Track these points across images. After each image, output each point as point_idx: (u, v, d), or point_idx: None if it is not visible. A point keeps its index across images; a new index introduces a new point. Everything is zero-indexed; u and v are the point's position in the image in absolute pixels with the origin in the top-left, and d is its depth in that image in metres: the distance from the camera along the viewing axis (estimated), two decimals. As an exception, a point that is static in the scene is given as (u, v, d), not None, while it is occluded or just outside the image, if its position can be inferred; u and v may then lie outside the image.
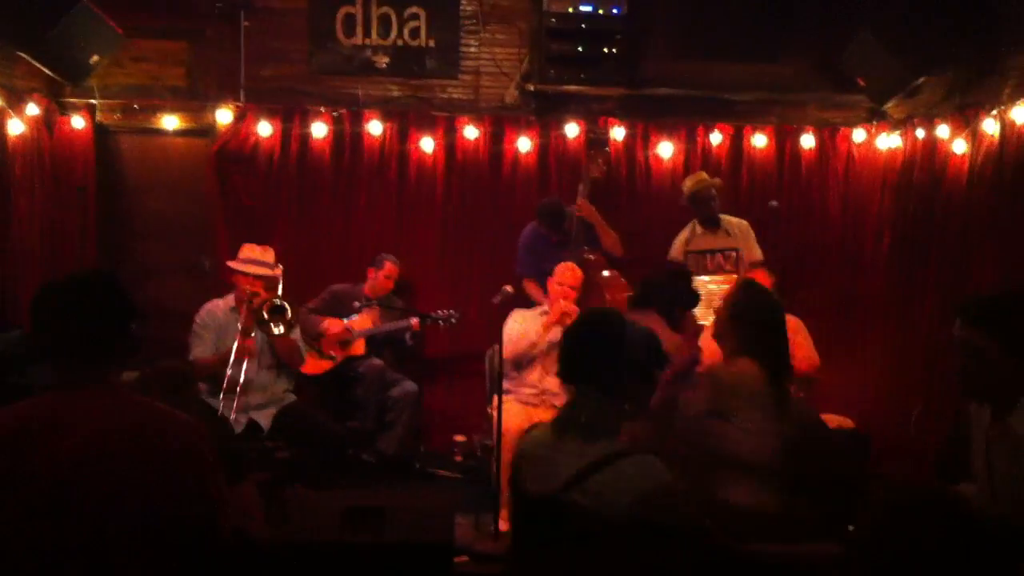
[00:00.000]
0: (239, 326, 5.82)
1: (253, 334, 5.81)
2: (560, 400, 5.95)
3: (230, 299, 6.07)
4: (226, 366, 5.71)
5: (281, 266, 6.24)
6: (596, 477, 2.72)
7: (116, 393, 2.59)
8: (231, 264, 6.10)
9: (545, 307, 6.17)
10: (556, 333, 5.89)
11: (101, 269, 3.05)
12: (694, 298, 4.78)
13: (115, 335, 2.64)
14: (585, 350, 2.96)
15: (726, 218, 6.84)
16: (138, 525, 2.41)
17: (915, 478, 4.41)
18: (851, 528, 2.68)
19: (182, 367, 4.27)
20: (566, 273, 6.13)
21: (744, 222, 6.84)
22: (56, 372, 2.56)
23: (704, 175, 6.88)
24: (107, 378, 2.59)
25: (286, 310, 5.84)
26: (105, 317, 2.63)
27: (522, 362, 6.04)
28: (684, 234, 6.86)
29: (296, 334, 6.12)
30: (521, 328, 6.08)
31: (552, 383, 5.95)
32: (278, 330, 5.82)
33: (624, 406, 2.93)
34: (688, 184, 6.84)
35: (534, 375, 6.06)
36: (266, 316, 5.81)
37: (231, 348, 5.74)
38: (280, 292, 6.06)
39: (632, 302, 4.14)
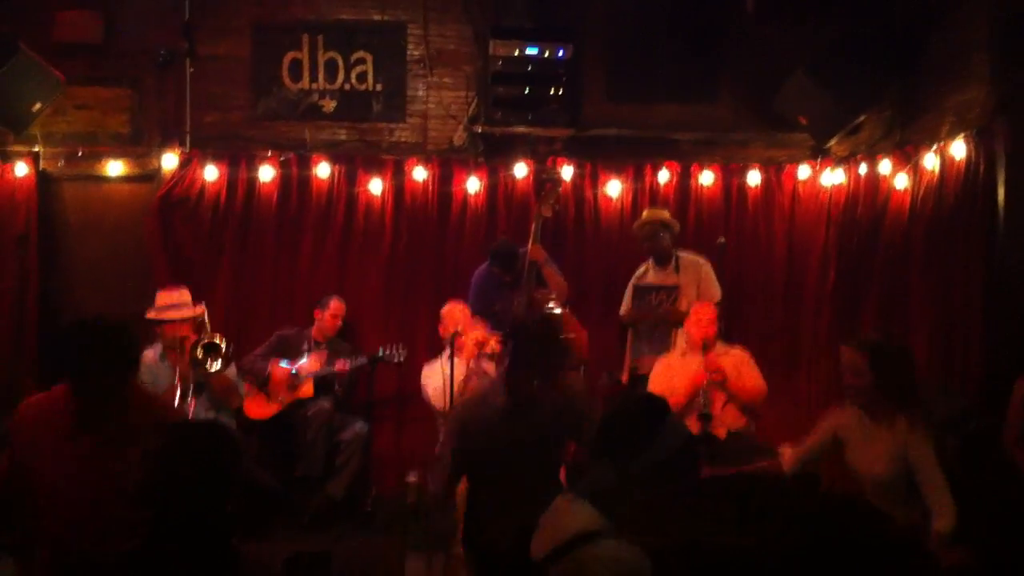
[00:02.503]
0: (174, 372, 5.83)
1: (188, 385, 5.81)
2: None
3: (158, 347, 6.12)
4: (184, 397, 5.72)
5: (202, 304, 6.28)
6: (566, 556, 2.71)
7: None
8: (150, 315, 6.15)
9: (449, 352, 6.19)
10: (478, 364, 6.15)
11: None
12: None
13: None
14: (626, 426, 2.92)
15: (683, 256, 6.83)
16: None
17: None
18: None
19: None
20: (454, 313, 6.41)
21: (701, 260, 6.81)
22: None
23: (659, 213, 6.90)
24: None
25: (219, 346, 5.81)
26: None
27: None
28: (641, 268, 6.90)
29: (232, 372, 6.12)
30: (440, 380, 6.16)
31: None
32: (216, 366, 5.78)
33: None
34: (637, 222, 6.89)
35: None
36: (200, 356, 5.78)
37: (170, 395, 5.69)
38: (208, 329, 6.06)
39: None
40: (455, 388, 5.92)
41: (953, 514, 3.87)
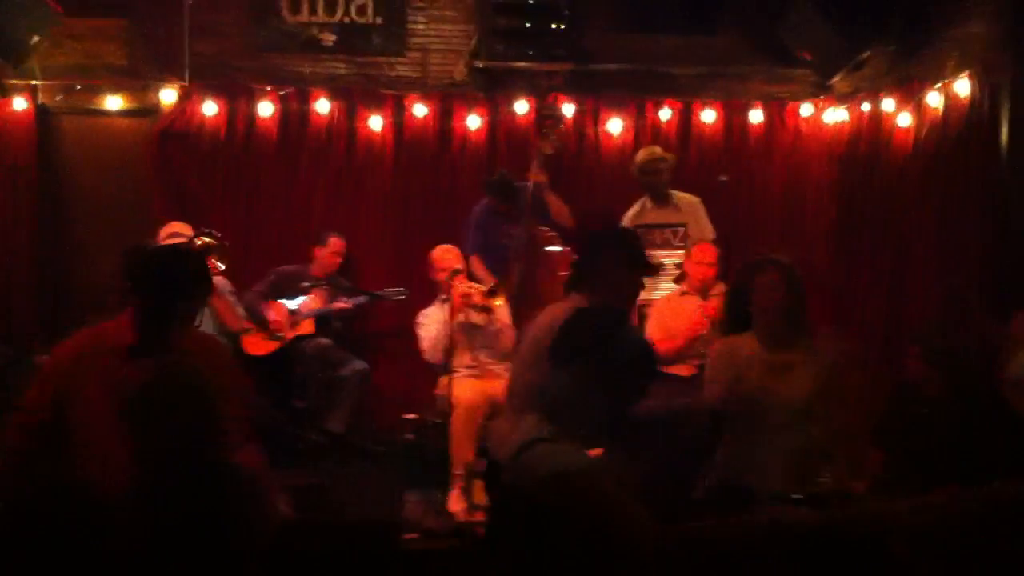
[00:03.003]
0: None
1: None
2: (497, 369, 6.05)
3: None
4: None
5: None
6: (520, 459, 2.77)
7: None
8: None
9: (444, 296, 6.21)
10: (466, 315, 6.13)
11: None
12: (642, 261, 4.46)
13: None
14: (580, 337, 3.01)
15: (677, 194, 6.82)
16: None
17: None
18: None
19: None
20: (445, 257, 6.30)
21: (695, 199, 6.82)
22: None
23: (656, 149, 6.87)
24: None
25: (205, 244, 5.98)
26: None
27: (449, 352, 6.08)
28: (634, 208, 6.85)
29: (230, 298, 6.35)
30: (435, 330, 6.21)
31: (483, 356, 6.17)
32: (220, 266, 5.92)
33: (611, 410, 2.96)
34: (638, 157, 6.83)
35: (465, 357, 6.16)
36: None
37: None
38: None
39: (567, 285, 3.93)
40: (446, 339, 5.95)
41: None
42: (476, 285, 6.23)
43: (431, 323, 6.29)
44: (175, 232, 6.35)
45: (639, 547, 2.62)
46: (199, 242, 5.99)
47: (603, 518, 2.68)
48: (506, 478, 2.88)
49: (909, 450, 4.48)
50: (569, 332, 3.05)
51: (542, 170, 6.54)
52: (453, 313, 6.05)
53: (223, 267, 6.03)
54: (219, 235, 6.14)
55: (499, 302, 6.23)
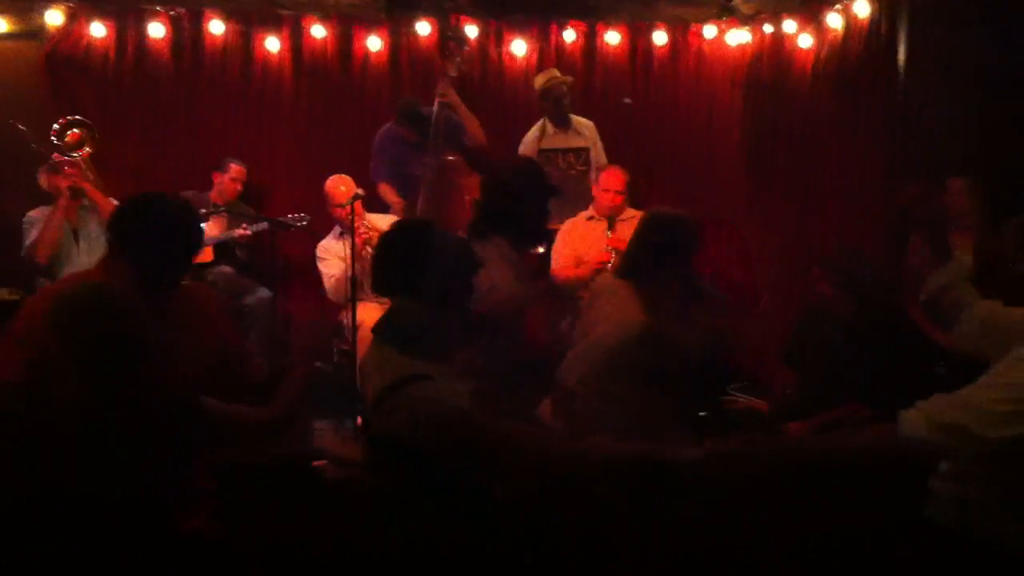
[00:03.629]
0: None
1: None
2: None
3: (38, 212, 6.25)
4: (54, 230, 6.05)
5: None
6: (391, 399, 2.73)
7: None
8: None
9: (340, 230, 6.11)
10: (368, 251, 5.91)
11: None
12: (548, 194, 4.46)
13: None
14: (396, 261, 2.98)
15: (576, 119, 6.82)
16: None
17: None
18: None
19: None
20: (339, 188, 6.18)
21: (591, 123, 6.82)
22: None
23: (555, 72, 6.83)
24: None
25: (76, 137, 6.16)
26: None
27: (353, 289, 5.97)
28: (534, 132, 6.81)
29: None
30: (337, 267, 6.09)
31: None
32: (77, 153, 6.14)
33: (448, 319, 2.91)
34: (539, 80, 6.79)
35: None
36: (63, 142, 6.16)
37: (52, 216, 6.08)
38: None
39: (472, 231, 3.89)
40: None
41: None
42: (376, 224, 6.06)
43: (332, 259, 6.16)
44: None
45: (527, 469, 2.63)
46: (72, 134, 6.18)
47: (486, 455, 2.68)
48: (380, 417, 2.82)
49: (819, 371, 4.57)
50: (389, 262, 3.05)
51: (450, 89, 6.43)
52: (357, 251, 5.87)
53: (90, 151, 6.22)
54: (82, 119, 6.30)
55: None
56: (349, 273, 5.66)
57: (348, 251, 5.75)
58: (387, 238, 3.07)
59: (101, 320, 2.67)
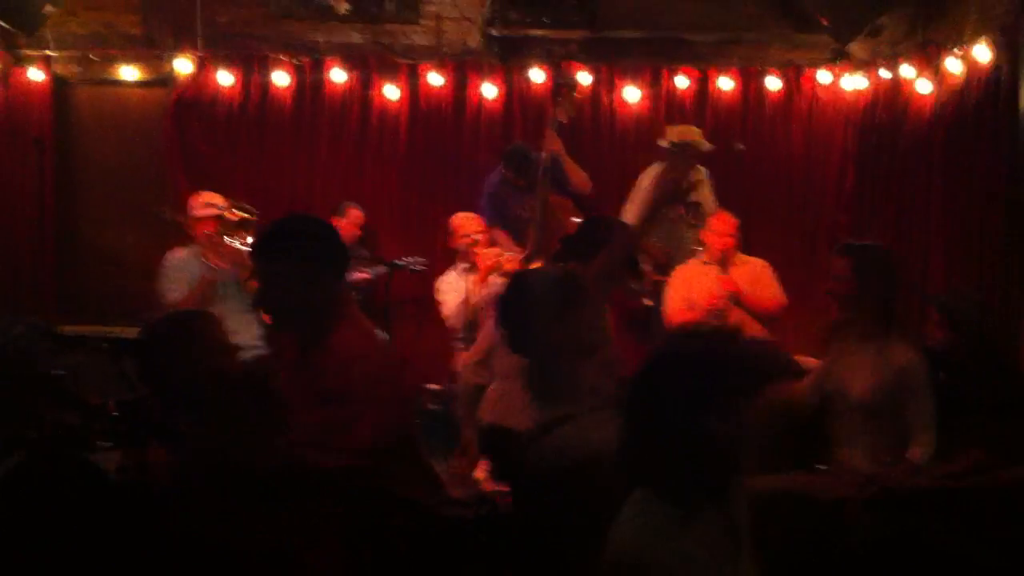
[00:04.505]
0: (207, 270, 5.93)
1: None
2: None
3: (195, 249, 6.06)
4: (204, 303, 5.72)
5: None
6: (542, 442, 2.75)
7: None
8: (179, 217, 6.23)
9: (465, 265, 6.17)
10: (491, 283, 6.00)
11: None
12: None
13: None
14: (540, 317, 2.91)
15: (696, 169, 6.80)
16: None
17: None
18: None
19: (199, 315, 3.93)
20: (465, 224, 6.24)
21: (704, 169, 6.81)
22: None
23: (695, 132, 6.79)
24: None
25: (248, 218, 5.99)
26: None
27: (473, 323, 6.04)
28: (649, 178, 6.82)
29: None
30: (456, 296, 6.18)
31: None
32: (242, 242, 5.91)
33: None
34: (674, 133, 6.74)
35: None
36: (231, 234, 5.93)
37: (201, 284, 5.84)
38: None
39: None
40: (470, 309, 5.91)
41: (932, 446, 3.90)
42: (508, 253, 6.18)
43: (450, 291, 6.29)
44: (209, 202, 6.20)
45: None
46: (234, 217, 5.97)
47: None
48: (533, 456, 2.82)
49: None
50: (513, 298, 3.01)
51: (557, 138, 6.51)
52: (478, 283, 6.01)
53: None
54: (254, 210, 6.10)
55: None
56: (468, 306, 5.80)
57: (470, 287, 5.87)
58: (526, 292, 3.01)
59: None
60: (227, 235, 5.89)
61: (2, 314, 6.43)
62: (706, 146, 6.71)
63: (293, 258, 3.00)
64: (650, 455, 2.24)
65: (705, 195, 6.78)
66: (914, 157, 6.69)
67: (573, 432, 2.72)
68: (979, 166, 6.13)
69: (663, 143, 6.74)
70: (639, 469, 2.28)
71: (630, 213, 6.81)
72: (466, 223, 6.37)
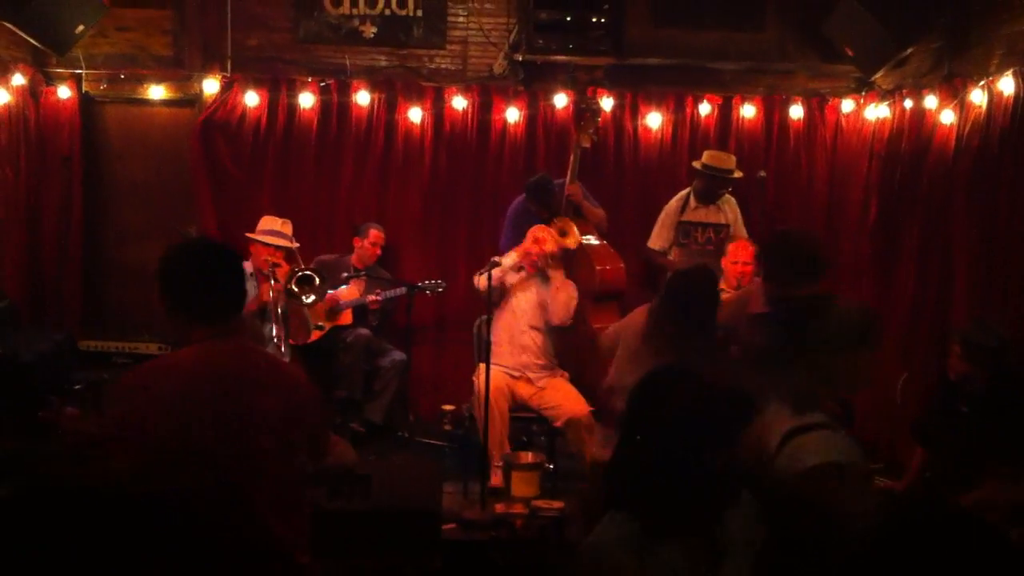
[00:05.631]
0: (257, 291, 6.06)
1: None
2: (538, 371, 6.05)
3: (247, 265, 6.12)
4: (263, 319, 5.95)
5: (297, 243, 6.51)
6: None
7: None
8: (250, 234, 6.40)
9: (525, 268, 6.22)
10: (520, 277, 6.15)
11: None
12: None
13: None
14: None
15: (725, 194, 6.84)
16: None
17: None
18: None
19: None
20: (542, 236, 6.18)
21: (733, 199, 6.87)
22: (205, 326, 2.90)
23: (731, 160, 6.85)
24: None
25: (314, 279, 6.01)
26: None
27: (501, 298, 6.18)
28: (677, 202, 6.84)
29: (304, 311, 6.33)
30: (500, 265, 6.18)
31: (532, 355, 6.13)
32: (309, 299, 6.00)
33: None
34: (708, 158, 6.81)
35: (518, 348, 6.15)
36: (295, 287, 5.97)
37: (267, 300, 5.98)
38: (300, 263, 6.26)
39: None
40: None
41: None
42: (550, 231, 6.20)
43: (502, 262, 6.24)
44: (272, 230, 6.46)
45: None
46: (302, 273, 6.06)
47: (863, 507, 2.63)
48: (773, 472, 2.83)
49: (952, 448, 4.46)
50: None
51: (576, 184, 6.56)
52: (518, 263, 6.13)
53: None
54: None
55: (570, 241, 6.31)
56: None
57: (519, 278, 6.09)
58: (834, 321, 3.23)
59: None
60: (293, 286, 5.99)
61: (28, 329, 6.53)
62: (737, 174, 6.74)
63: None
64: (637, 475, 2.25)
65: (737, 224, 6.80)
66: (938, 188, 6.68)
67: (820, 439, 2.75)
68: (1003, 198, 6.11)
69: (696, 164, 6.81)
70: (623, 486, 2.29)
71: (659, 238, 6.85)
72: (544, 234, 6.22)
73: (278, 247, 6.33)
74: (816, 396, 2.91)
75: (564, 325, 6.09)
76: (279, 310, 5.93)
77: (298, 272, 6.01)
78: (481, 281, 5.99)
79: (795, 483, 2.64)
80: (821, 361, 2.98)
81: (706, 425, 2.24)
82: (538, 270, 6.11)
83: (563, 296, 6.07)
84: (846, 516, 2.45)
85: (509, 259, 6.19)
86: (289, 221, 6.59)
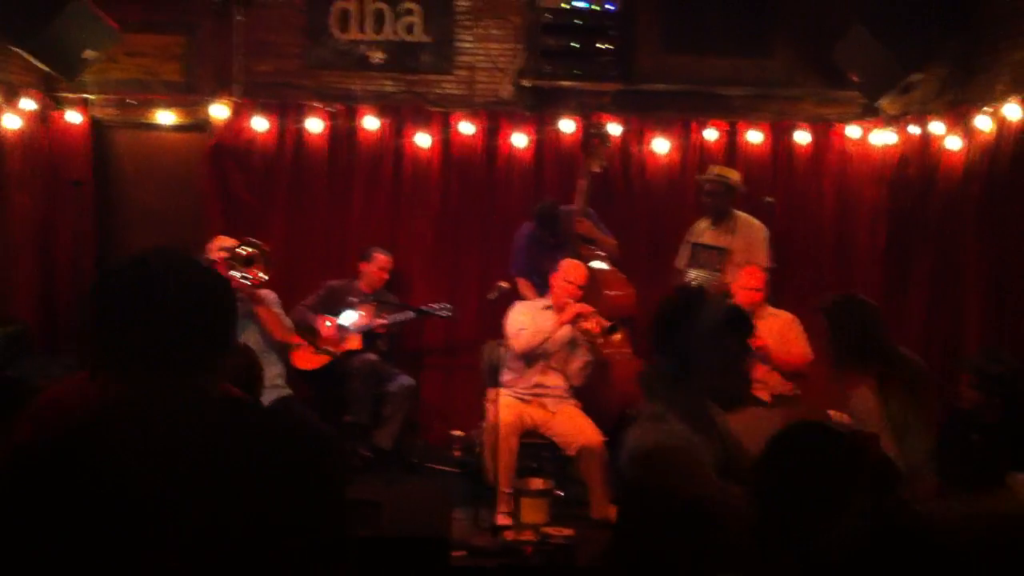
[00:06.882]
0: None
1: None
2: (553, 396, 6.03)
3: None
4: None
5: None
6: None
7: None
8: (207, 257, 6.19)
9: (547, 301, 6.17)
10: (567, 331, 5.97)
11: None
12: None
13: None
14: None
15: (741, 216, 6.74)
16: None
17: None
18: None
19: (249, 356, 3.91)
20: (572, 271, 6.08)
21: (758, 225, 6.73)
22: None
23: (727, 170, 6.84)
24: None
25: (250, 254, 6.02)
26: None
27: (532, 357, 6.03)
28: (699, 224, 6.82)
29: (277, 309, 6.35)
30: (529, 322, 6.03)
31: (550, 379, 6.04)
32: (261, 275, 5.99)
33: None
34: (718, 169, 6.84)
35: (535, 370, 6.07)
36: (238, 266, 5.97)
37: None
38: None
39: None
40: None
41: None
42: (599, 318, 6.05)
43: (524, 313, 6.15)
44: (222, 246, 6.32)
45: (723, 522, 2.58)
46: (244, 252, 6.04)
47: (686, 493, 2.64)
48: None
49: (965, 480, 4.44)
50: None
51: (585, 221, 6.58)
52: (559, 325, 5.96)
53: (266, 277, 6.07)
54: (262, 243, 6.15)
55: (618, 337, 6.20)
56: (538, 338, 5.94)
57: (549, 323, 5.96)
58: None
59: None
60: (234, 270, 5.94)
61: (40, 355, 6.53)
62: (735, 181, 6.75)
63: None
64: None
65: (755, 247, 6.76)
66: (948, 214, 6.70)
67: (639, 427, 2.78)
68: (1013, 223, 6.12)
69: (699, 177, 6.85)
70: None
71: (679, 257, 6.84)
72: (570, 270, 6.13)
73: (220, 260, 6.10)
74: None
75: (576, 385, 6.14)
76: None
77: (233, 254, 6.02)
78: (520, 342, 5.98)
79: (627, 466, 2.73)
80: None
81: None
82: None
83: (580, 363, 6.09)
84: (690, 499, 2.56)
85: (547, 319, 6.05)
86: (227, 237, 6.39)
